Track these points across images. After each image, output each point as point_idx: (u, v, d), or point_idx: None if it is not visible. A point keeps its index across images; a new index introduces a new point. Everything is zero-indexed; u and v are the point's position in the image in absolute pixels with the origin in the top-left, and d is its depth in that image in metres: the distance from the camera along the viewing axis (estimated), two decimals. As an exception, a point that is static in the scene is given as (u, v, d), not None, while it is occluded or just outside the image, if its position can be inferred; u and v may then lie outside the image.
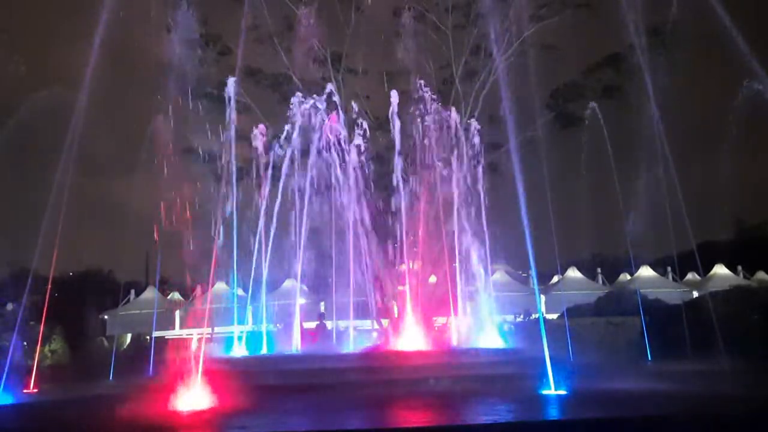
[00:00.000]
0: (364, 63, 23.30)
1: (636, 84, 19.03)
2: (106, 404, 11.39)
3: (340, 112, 19.42)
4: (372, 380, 12.44)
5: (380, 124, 21.40)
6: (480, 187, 18.93)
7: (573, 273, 35.38)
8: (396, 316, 19.93)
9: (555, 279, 34.14)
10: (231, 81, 18.99)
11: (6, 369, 14.07)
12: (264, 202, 18.58)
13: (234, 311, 18.64)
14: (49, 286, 16.49)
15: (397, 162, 18.76)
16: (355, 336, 18.16)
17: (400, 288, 20.04)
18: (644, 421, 7.91)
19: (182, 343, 26.10)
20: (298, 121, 18.92)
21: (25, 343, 19.72)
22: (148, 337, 26.69)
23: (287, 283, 27.26)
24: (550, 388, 10.49)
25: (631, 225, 19.04)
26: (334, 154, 19.44)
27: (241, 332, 18.36)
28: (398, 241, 19.20)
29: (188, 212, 16.12)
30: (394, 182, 18.85)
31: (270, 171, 19.00)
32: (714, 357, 15.70)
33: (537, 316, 22.03)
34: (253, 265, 18.30)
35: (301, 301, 19.75)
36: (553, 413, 9.16)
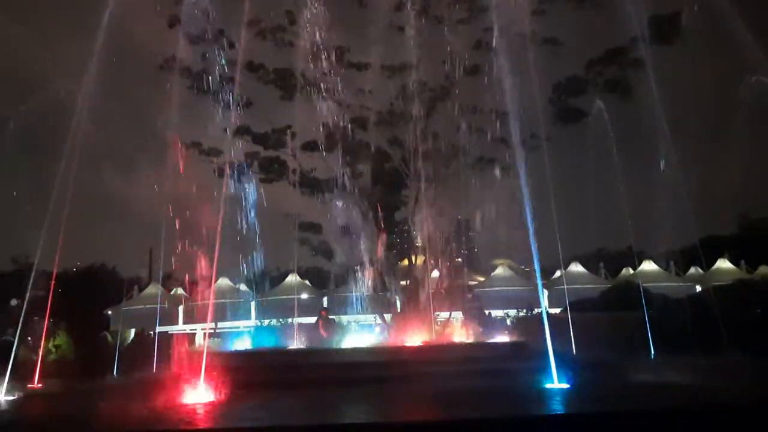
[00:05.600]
0: (367, 57, 23.18)
1: (640, 78, 18.97)
2: (111, 398, 11.44)
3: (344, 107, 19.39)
4: (375, 375, 12.47)
5: (382, 119, 21.32)
6: (483, 181, 18.93)
7: (576, 267, 35.31)
8: (399, 310, 19.95)
9: (557, 273, 34.09)
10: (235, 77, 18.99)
11: (10, 364, 14.15)
12: (266, 199, 18.62)
13: (237, 306, 18.71)
14: (53, 282, 16.53)
15: (403, 155, 18.75)
16: (357, 331, 18.20)
17: (403, 283, 20.07)
18: (646, 414, 7.91)
19: (186, 338, 26.20)
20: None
21: (29, 339, 19.79)
22: (151, 333, 26.77)
23: (289, 279, 27.33)
24: (553, 382, 10.49)
25: (634, 219, 19.01)
26: (338, 151, 19.45)
27: (245, 327, 18.43)
28: (402, 235, 19.21)
29: (191, 208, 16.15)
30: (399, 177, 18.85)
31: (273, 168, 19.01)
32: (717, 351, 15.70)
33: (540, 310, 22.02)
34: (256, 261, 18.35)
35: (303, 296, 19.82)
36: (556, 407, 9.16)
